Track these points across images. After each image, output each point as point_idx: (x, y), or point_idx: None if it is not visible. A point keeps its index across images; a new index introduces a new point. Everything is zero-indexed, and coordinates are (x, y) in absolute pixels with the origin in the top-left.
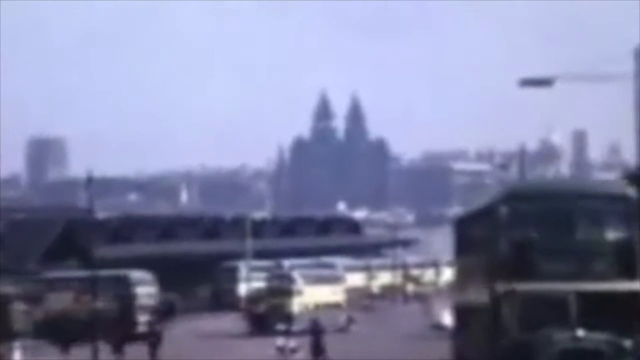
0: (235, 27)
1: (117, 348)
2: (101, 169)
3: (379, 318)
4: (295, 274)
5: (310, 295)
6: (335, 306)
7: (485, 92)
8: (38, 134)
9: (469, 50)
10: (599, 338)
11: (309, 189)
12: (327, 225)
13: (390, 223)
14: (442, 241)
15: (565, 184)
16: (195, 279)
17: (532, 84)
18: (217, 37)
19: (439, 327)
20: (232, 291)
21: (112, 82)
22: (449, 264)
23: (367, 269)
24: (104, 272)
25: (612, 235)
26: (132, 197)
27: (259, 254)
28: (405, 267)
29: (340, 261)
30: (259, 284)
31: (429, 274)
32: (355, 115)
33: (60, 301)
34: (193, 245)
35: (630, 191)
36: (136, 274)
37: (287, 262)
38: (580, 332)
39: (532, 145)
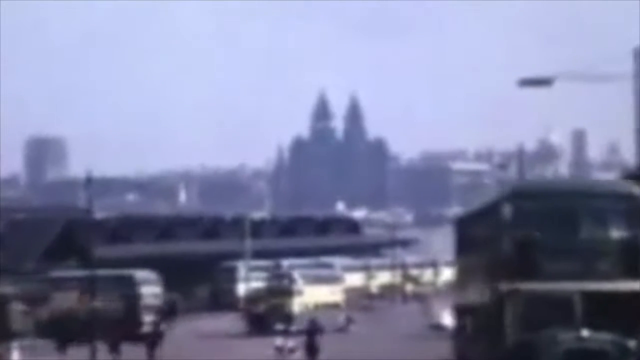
0: (234, 27)
1: (114, 348)
2: (100, 168)
3: (377, 318)
4: (296, 274)
5: (310, 295)
6: (334, 306)
7: (484, 92)
8: (37, 134)
9: (467, 50)
10: (604, 338)
11: (308, 189)
12: (326, 225)
13: (389, 223)
14: (441, 241)
15: (569, 183)
16: (194, 279)
17: (531, 83)
18: (216, 37)
19: (438, 327)
20: (231, 291)
21: (111, 82)
22: (448, 263)
23: (366, 268)
24: (109, 272)
25: (616, 234)
26: (131, 197)
27: (258, 254)
28: (404, 267)
29: (339, 261)
30: (258, 283)
31: (427, 274)
32: (354, 115)
33: (65, 301)
34: (192, 245)
35: (636, 190)
36: (141, 274)
37: (286, 262)
38: (585, 332)
39: (531, 145)
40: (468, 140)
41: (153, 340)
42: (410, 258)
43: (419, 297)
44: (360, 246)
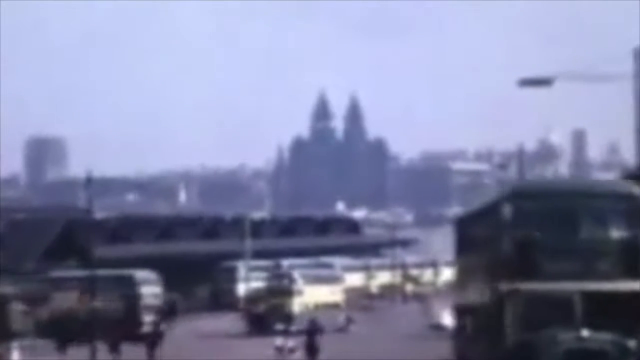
0: (234, 27)
1: (114, 348)
2: (100, 168)
3: (377, 318)
4: (296, 274)
5: (310, 295)
6: (334, 306)
7: (484, 92)
8: (37, 134)
9: (467, 50)
10: (604, 338)
11: (308, 189)
12: (326, 225)
13: (389, 223)
14: (441, 241)
15: (569, 183)
16: (194, 279)
17: (531, 83)
18: (216, 37)
19: (437, 327)
20: (231, 291)
21: (111, 82)
22: (448, 263)
23: (366, 268)
24: (109, 272)
25: (616, 234)
26: (131, 197)
27: (258, 254)
28: (404, 267)
29: (339, 261)
30: (258, 283)
31: (427, 274)
32: (354, 115)
33: (65, 300)
34: (192, 245)
35: (636, 190)
36: (141, 274)
37: (285, 262)
38: (585, 332)
39: (531, 145)
40: (468, 140)
41: (153, 340)
42: (410, 258)
43: (419, 297)
44: (360, 246)
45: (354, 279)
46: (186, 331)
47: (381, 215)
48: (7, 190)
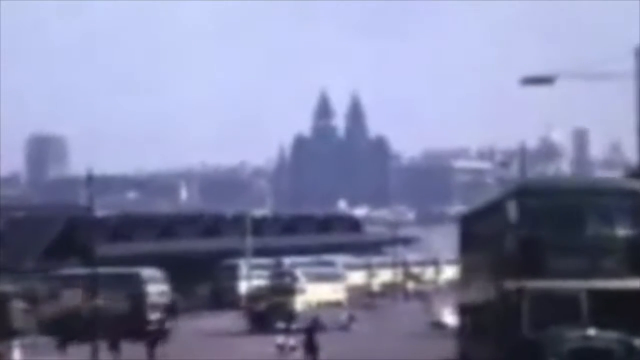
0: (235, 25)
1: (114, 346)
2: (101, 166)
3: (379, 316)
4: (298, 272)
5: (313, 294)
6: (337, 304)
7: (486, 91)
8: (38, 132)
9: (469, 49)
10: (610, 337)
11: (309, 187)
12: (328, 223)
13: (390, 221)
14: (443, 239)
15: (575, 180)
16: (195, 277)
17: (533, 82)
18: (217, 36)
19: (439, 325)
20: (232, 289)
21: (111, 80)
22: (450, 262)
23: (367, 267)
24: (115, 270)
25: (622, 232)
26: (132, 194)
27: (260, 252)
28: (405, 265)
29: (340, 259)
30: (259, 281)
31: (429, 272)
32: (356, 113)
33: (73, 298)
34: (193, 243)
35: None
36: (147, 272)
37: (287, 260)
38: (591, 331)
39: (533, 143)
40: (470, 138)
41: (153, 339)
42: (411, 256)
43: (421, 295)
44: (361, 244)
45: (356, 277)
46: (187, 329)
47: (383, 213)
48: (7, 188)
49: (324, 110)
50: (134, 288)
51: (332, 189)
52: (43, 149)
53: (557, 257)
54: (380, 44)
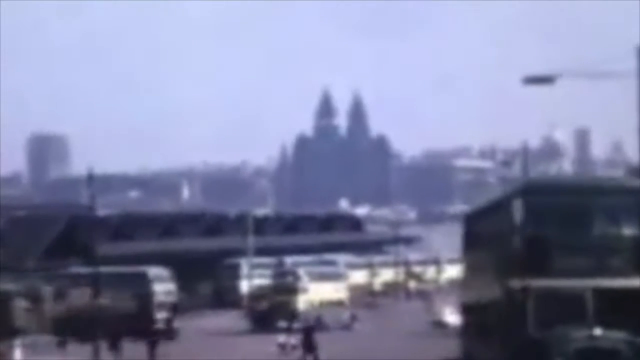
0: (236, 25)
1: (114, 346)
2: (102, 166)
3: (381, 315)
4: (301, 272)
5: (315, 293)
6: (339, 304)
7: (487, 90)
8: (39, 132)
9: (470, 49)
10: (616, 337)
11: (311, 186)
12: (329, 223)
13: (392, 220)
14: (444, 238)
15: (581, 179)
16: (197, 276)
17: (535, 81)
18: (219, 36)
19: (440, 324)
20: (234, 288)
21: (113, 80)
22: (451, 261)
23: (369, 266)
24: (122, 269)
25: (629, 231)
26: (134, 194)
27: (261, 251)
28: (407, 264)
29: (342, 258)
30: (261, 281)
31: (430, 271)
32: (358, 112)
33: (82, 297)
34: (195, 243)
35: None
36: (154, 271)
37: (289, 260)
38: (597, 331)
39: (535, 142)
40: (472, 137)
41: (155, 339)
42: (413, 255)
43: (422, 295)
44: (363, 243)
45: (358, 277)
46: (189, 329)
47: (384, 212)
48: (9, 188)
49: (325, 109)
50: (141, 287)
51: (333, 188)
52: (44, 149)
53: (563, 256)
54: (381, 44)
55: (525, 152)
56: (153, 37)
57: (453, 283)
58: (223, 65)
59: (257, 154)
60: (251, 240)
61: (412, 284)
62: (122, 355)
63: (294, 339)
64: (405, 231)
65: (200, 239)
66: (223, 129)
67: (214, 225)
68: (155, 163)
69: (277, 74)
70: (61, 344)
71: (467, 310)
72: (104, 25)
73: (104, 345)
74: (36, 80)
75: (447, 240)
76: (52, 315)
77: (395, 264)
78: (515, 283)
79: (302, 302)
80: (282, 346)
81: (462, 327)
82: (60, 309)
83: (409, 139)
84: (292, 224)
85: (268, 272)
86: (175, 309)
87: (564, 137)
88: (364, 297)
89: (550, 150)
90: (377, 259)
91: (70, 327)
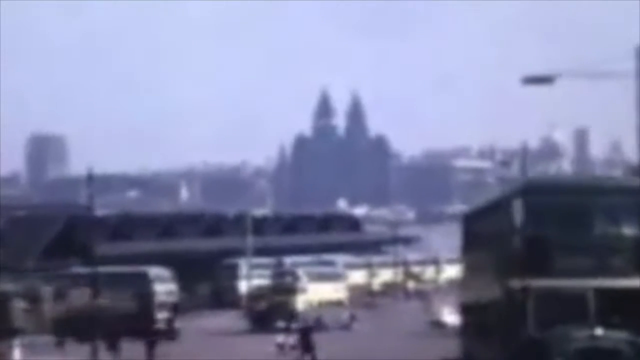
0: (235, 25)
1: (112, 346)
2: (101, 166)
3: (380, 315)
4: (300, 272)
5: (314, 293)
6: (338, 304)
7: (486, 90)
8: (38, 132)
9: (469, 49)
10: (618, 337)
11: (309, 186)
12: (328, 223)
13: (390, 220)
14: (443, 238)
15: (581, 178)
16: (195, 277)
17: (534, 81)
18: (218, 36)
19: (439, 324)
20: (233, 289)
21: (112, 79)
22: (450, 261)
23: (368, 266)
24: (123, 269)
25: (630, 230)
26: (132, 194)
27: (260, 251)
28: (406, 264)
29: (341, 258)
30: (259, 281)
31: (429, 272)
32: (356, 112)
33: (81, 297)
34: (194, 243)
35: None
36: (155, 271)
37: (288, 260)
38: (599, 331)
39: (534, 142)
40: (470, 137)
41: (154, 339)
42: (412, 255)
43: (421, 295)
44: (361, 244)
45: (357, 277)
46: (188, 329)
47: (383, 212)
48: (8, 188)
49: (324, 109)
50: (142, 287)
51: (332, 188)
52: (43, 149)
53: (564, 256)
54: (380, 44)
55: (524, 152)
56: (152, 37)
57: (452, 283)
58: (222, 65)
59: (256, 154)
60: (250, 241)
61: (411, 284)
62: (121, 356)
63: (293, 339)
64: (404, 231)
65: (199, 239)
66: (222, 129)
67: (213, 225)
68: (154, 163)
69: (276, 74)
70: (59, 344)
71: (466, 310)
72: (103, 25)
73: (102, 346)
74: (35, 80)
75: (445, 240)
76: (52, 316)
77: (394, 264)
78: (516, 283)
79: (301, 302)
80: (281, 346)
81: (462, 327)
82: (61, 309)
83: (407, 139)
84: (290, 224)
85: (267, 272)
86: (177, 309)
87: (563, 138)
88: (363, 297)
89: (550, 150)
90: (376, 259)
91: (71, 328)
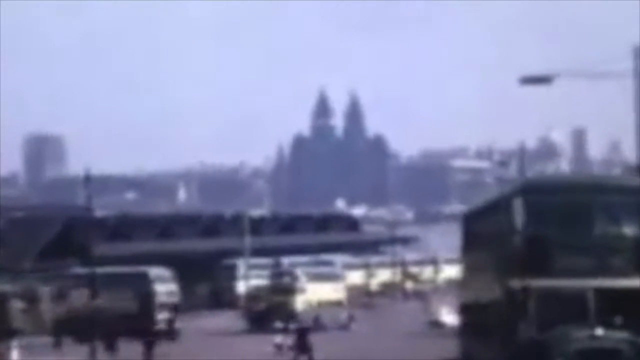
0: (234, 26)
1: (110, 346)
2: (99, 167)
3: (378, 316)
4: (299, 272)
5: (313, 293)
6: (337, 304)
7: (485, 90)
8: (36, 132)
9: (468, 49)
10: (618, 337)
11: (307, 187)
12: (326, 223)
13: (389, 220)
14: (441, 238)
15: (582, 177)
16: (194, 277)
17: (532, 81)
18: (216, 36)
19: (437, 324)
20: (231, 289)
21: (110, 80)
22: (448, 261)
23: (366, 266)
24: (123, 269)
25: (631, 230)
26: (130, 195)
27: (258, 252)
28: (404, 264)
29: (339, 259)
30: (258, 281)
31: (427, 272)
32: (354, 112)
33: (81, 298)
34: (192, 243)
35: None
36: (155, 271)
37: (286, 260)
38: (599, 331)
39: (532, 142)
40: (469, 137)
41: (152, 340)
42: (410, 255)
43: (419, 295)
44: (359, 244)
45: (355, 277)
46: (186, 329)
47: (381, 212)
48: (6, 188)
49: (322, 109)
50: (142, 287)
51: (330, 189)
52: (41, 149)
53: (564, 256)
54: (378, 44)
55: (522, 153)
56: (150, 38)
57: (450, 283)
58: (219, 66)
59: (255, 154)
60: (248, 241)
61: (409, 284)
62: (118, 356)
63: (291, 340)
64: (402, 231)
65: (197, 239)
66: (220, 129)
67: (211, 226)
68: (152, 164)
69: (274, 75)
70: (57, 345)
71: (466, 310)
72: (103, 25)
73: (101, 346)
74: (34, 81)
75: (444, 240)
76: (52, 316)
77: (392, 264)
78: (516, 283)
79: (301, 302)
80: (279, 347)
81: (461, 328)
82: (61, 310)
83: (405, 139)
84: (288, 225)
85: (265, 272)
86: (177, 309)
87: (561, 138)
88: (361, 297)
89: (547, 150)
90: (374, 259)
91: (70, 328)
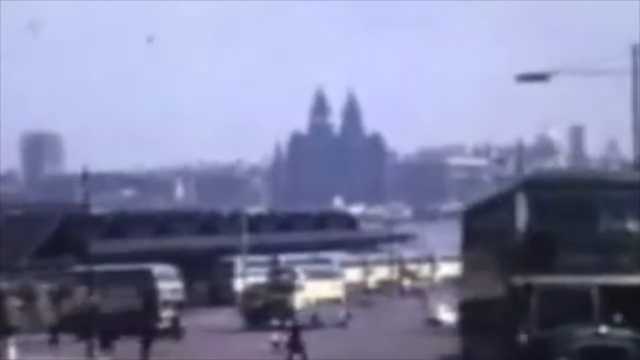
0: (231, 24)
1: (106, 344)
2: (97, 164)
3: (375, 313)
4: (297, 270)
5: (312, 291)
6: (335, 301)
7: (483, 88)
8: (34, 129)
9: (465, 47)
10: (623, 335)
11: (305, 184)
12: (323, 221)
13: (386, 218)
14: (439, 236)
15: (585, 172)
16: (191, 275)
17: (529, 79)
18: (214, 35)
19: (434, 322)
20: (229, 286)
21: (107, 77)
22: (446, 258)
23: (363, 264)
24: (127, 267)
25: (636, 226)
26: (128, 192)
27: (256, 249)
28: (401, 262)
29: (336, 256)
30: (255, 279)
31: (425, 269)
32: (352, 110)
33: (82, 296)
34: (189, 241)
35: None
36: (159, 268)
37: (283, 258)
38: (603, 329)
39: (529, 140)
40: (466, 135)
41: (149, 337)
42: (407, 253)
43: (417, 292)
44: (357, 241)
45: (352, 275)
46: (184, 326)
47: (378, 210)
48: (4, 186)
49: (320, 107)
50: (146, 285)
51: (327, 186)
52: (39, 147)
53: (568, 252)
54: (376, 41)
55: (519, 150)
56: (148, 36)
57: (448, 281)
58: (217, 64)
59: (252, 152)
60: (245, 239)
61: (407, 282)
62: (115, 354)
63: (288, 337)
64: (399, 229)
65: (194, 237)
66: (218, 127)
67: (209, 223)
68: (149, 161)
69: (271, 72)
70: (53, 342)
71: (466, 308)
72: (101, 24)
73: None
74: (31, 79)
75: (441, 238)
76: (50, 314)
77: (389, 262)
78: (518, 280)
79: (299, 300)
80: (276, 344)
81: (461, 325)
82: (58, 308)
83: (403, 137)
84: (286, 222)
85: (262, 270)
86: (182, 307)
87: (558, 135)
88: (359, 295)
89: (545, 148)
90: (372, 257)
91: (70, 326)
